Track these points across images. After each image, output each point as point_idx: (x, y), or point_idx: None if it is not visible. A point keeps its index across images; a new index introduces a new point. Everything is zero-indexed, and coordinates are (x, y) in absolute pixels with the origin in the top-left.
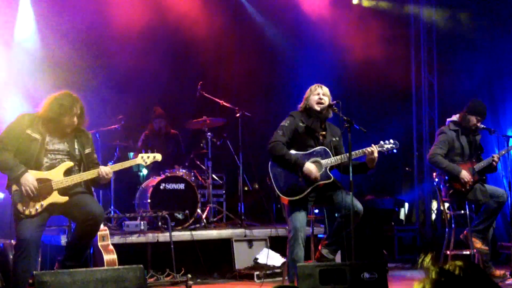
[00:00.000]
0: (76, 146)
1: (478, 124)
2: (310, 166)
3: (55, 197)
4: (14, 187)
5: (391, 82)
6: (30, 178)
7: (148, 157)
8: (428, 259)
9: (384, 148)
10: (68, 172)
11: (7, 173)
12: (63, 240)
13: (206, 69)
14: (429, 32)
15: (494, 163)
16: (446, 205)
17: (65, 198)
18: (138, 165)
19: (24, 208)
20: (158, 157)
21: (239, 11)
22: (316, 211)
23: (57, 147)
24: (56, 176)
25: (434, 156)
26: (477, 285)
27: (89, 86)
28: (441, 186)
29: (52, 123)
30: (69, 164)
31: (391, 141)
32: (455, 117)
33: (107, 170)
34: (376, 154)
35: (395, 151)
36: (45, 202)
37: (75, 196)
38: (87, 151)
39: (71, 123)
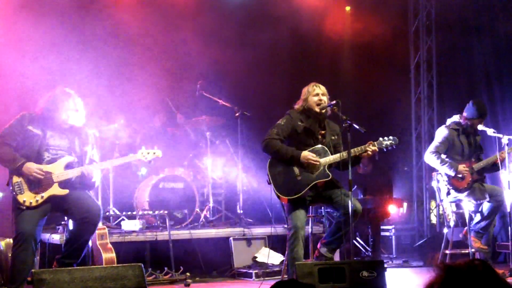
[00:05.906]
0: (76, 143)
1: (479, 126)
2: (307, 154)
3: (56, 190)
4: (15, 179)
5: (390, 80)
6: (33, 166)
7: (148, 153)
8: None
9: (383, 145)
10: (69, 166)
11: (7, 165)
12: (61, 238)
13: (205, 68)
14: (429, 29)
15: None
16: (445, 204)
17: (65, 191)
18: (137, 165)
19: (24, 199)
20: (159, 153)
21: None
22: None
23: (58, 143)
24: (57, 169)
25: (432, 153)
26: (487, 283)
27: (88, 85)
28: (440, 185)
29: (49, 120)
30: (70, 158)
31: (390, 137)
32: (456, 117)
33: (89, 169)
34: (375, 149)
35: (394, 147)
36: (45, 194)
37: (74, 192)
38: (86, 148)
39: (67, 118)
